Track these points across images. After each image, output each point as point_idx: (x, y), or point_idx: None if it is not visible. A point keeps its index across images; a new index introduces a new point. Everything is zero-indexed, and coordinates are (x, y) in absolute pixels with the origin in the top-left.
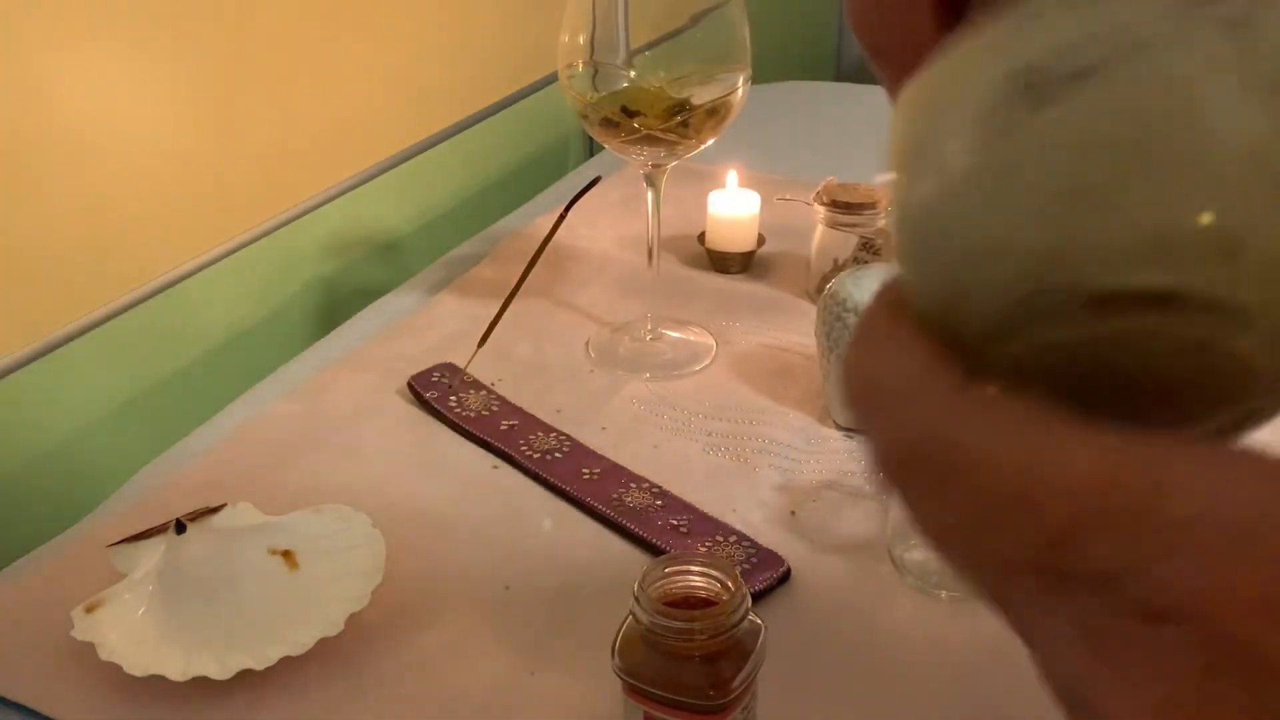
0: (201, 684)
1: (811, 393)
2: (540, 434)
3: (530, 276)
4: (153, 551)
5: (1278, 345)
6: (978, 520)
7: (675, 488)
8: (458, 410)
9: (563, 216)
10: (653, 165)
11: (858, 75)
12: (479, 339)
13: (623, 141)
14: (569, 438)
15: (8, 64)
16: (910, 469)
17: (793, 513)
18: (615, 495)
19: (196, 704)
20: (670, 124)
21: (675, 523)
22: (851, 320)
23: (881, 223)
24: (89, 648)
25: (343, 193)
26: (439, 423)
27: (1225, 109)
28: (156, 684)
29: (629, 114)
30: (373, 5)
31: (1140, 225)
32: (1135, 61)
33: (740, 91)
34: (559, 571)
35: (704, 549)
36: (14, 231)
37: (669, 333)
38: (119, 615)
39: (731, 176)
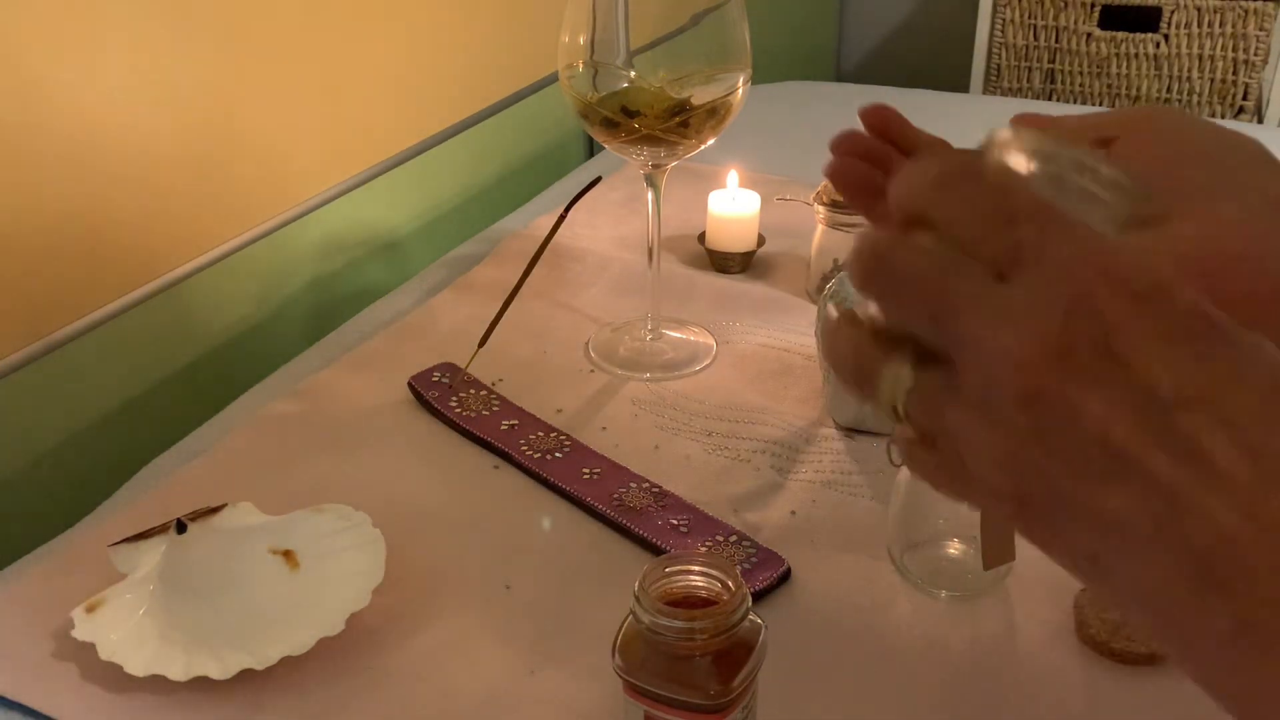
0: (201, 684)
1: (811, 393)
2: (540, 434)
3: (530, 276)
4: (153, 551)
5: None
6: None
7: (675, 488)
8: (458, 410)
9: (563, 216)
10: (653, 165)
11: (858, 75)
12: (479, 339)
13: (623, 141)
14: (569, 438)
15: (8, 64)
16: None
17: (793, 513)
18: (615, 495)
19: (196, 704)
20: (670, 124)
21: (675, 523)
22: None
23: None
24: (89, 648)
25: (343, 193)
26: (439, 423)
27: None
28: (157, 684)
29: (629, 114)
30: (373, 5)
31: None
32: None
33: (740, 91)
34: (559, 571)
35: (704, 549)
36: (14, 231)
37: (669, 333)
38: (119, 615)
39: (731, 176)
